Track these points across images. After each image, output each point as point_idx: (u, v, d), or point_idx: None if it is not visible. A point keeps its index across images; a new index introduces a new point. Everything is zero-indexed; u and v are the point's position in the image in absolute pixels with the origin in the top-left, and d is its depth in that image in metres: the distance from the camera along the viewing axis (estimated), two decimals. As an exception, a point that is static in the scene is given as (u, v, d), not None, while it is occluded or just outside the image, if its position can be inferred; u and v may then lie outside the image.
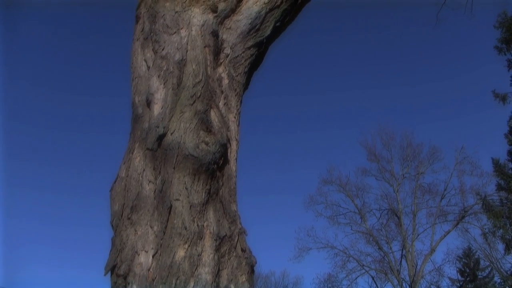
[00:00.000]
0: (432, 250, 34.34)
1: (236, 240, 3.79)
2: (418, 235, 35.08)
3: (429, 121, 54.78)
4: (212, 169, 3.78)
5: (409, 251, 34.63)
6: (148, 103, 4.11)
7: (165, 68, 4.19)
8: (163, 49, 4.31)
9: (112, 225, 3.88)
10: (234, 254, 3.75)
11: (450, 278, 37.60)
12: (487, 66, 54.05)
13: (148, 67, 4.34)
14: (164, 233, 3.57)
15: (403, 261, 35.03)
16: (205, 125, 3.87)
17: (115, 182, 4.00)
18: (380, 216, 36.35)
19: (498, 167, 29.45)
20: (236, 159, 4.20)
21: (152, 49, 4.42)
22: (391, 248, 35.74)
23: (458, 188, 35.25)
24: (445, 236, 34.55)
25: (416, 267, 34.21)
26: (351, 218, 36.65)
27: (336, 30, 62.48)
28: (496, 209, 29.49)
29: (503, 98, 28.57)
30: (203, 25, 4.40)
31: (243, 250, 3.81)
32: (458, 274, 38.42)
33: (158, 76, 4.18)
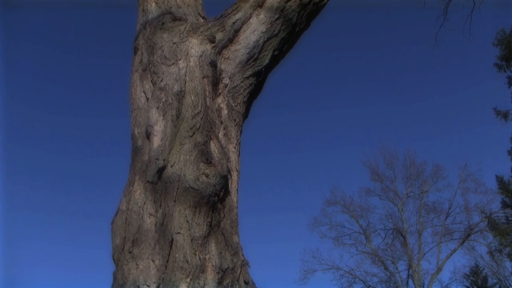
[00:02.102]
0: (439, 269, 34.04)
1: (238, 272, 3.74)
2: (424, 254, 34.80)
3: (431, 139, 54.55)
4: (213, 201, 3.74)
5: (415, 270, 34.32)
6: (148, 135, 4.10)
7: (164, 100, 4.18)
8: (161, 81, 4.31)
9: (113, 259, 3.84)
10: (237, 286, 3.70)
11: (457, 297, 37.21)
12: (488, 83, 54.06)
13: (147, 99, 4.34)
14: (166, 267, 3.53)
15: (410, 281, 34.71)
16: (205, 156, 3.84)
17: (116, 215, 3.97)
18: (385, 236, 36.12)
19: (502, 185, 29.32)
20: (237, 190, 4.17)
21: (151, 81, 4.42)
22: (397, 268, 35.45)
23: (463, 206, 35.02)
24: (451, 254, 34.26)
25: (423, 286, 33.89)
26: (356, 239, 36.42)
27: (337, 49, 62.58)
28: (502, 227, 29.31)
29: (505, 115, 28.52)
30: (201, 56, 4.40)
31: (246, 283, 3.76)
32: (466, 292, 38.05)
33: (157, 108, 4.17)
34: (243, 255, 3.89)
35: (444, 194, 51.97)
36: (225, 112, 4.36)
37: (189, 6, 5.11)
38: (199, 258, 3.57)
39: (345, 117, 59.10)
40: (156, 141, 4.00)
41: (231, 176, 4.10)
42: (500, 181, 29.45)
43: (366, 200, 39.90)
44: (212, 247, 3.69)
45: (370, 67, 58.58)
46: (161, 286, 3.48)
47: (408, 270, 34.90)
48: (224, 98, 4.41)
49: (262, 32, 4.62)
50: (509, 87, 29.23)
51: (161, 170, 3.82)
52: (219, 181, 3.78)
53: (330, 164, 56.91)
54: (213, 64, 4.39)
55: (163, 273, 3.51)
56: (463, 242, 34.17)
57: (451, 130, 56.57)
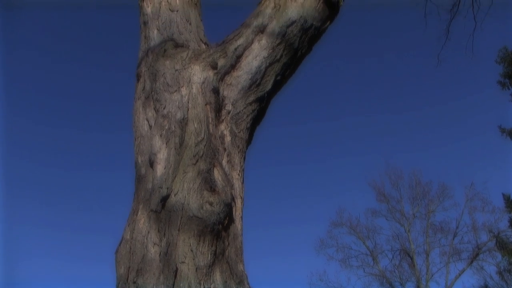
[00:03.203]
0: (448, 290, 33.75)
1: (244, 301, 3.70)
2: (432, 275, 34.49)
3: (436, 158, 54.46)
4: (217, 229, 3.70)
5: (424, 291, 34.04)
6: (151, 163, 4.08)
7: (167, 127, 4.17)
8: (164, 108, 4.30)
9: (118, 289, 3.81)
10: (243, 316, 3.66)
11: (467, 318, 36.81)
12: (491, 100, 54.04)
13: (150, 127, 4.33)
14: (171, 297, 3.49)
15: (419, 302, 34.41)
16: (209, 184, 3.81)
17: (119, 244, 3.94)
18: (393, 257, 35.89)
19: (509, 203, 29.13)
20: (241, 217, 4.13)
21: (154, 108, 4.42)
22: (405, 290, 35.17)
23: (470, 225, 34.83)
24: (460, 275, 33.95)
25: (433, 308, 33.58)
26: (363, 260, 36.22)
27: (340, 70, 62.78)
28: (510, 246, 29.08)
29: (510, 133, 28.47)
30: (203, 83, 4.39)
31: (252, 311, 3.72)
32: (476, 313, 37.63)
33: (160, 136, 4.16)
34: (248, 284, 3.84)
35: (451, 213, 51.79)
36: (228, 139, 4.34)
37: (191, 32, 5.13)
38: (204, 288, 3.53)
39: (350, 138, 59.08)
40: (160, 169, 3.98)
41: (235, 204, 4.07)
42: (507, 200, 29.27)
43: (372, 221, 39.48)
44: (217, 276, 3.64)
45: (373, 88, 58.77)
46: (166, 316, 3.44)
47: (417, 291, 34.60)
48: (227, 124, 4.39)
49: (264, 58, 4.62)
50: (513, 104, 29.21)
51: (164, 199, 3.79)
52: (223, 209, 3.75)
53: (336, 185, 56.83)
54: (216, 91, 4.38)
55: (168, 304, 3.47)
56: (471, 262, 33.88)
57: (456, 148, 56.43)
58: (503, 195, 29.62)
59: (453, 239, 34.88)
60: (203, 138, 4.06)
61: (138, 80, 4.83)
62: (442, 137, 56.06)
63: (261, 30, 4.71)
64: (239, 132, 4.44)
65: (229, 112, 4.44)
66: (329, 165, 57.50)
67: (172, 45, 4.82)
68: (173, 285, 3.51)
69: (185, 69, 4.50)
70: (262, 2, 4.95)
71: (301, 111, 61.72)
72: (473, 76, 56.34)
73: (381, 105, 58.76)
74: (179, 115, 4.19)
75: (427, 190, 36.99)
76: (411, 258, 35.06)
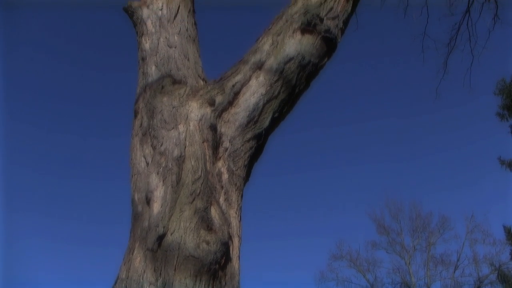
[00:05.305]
0: (450, 324, 33.36)
1: None
2: (434, 309, 34.21)
3: (436, 190, 54.44)
4: (214, 269, 3.65)
5: (425, 325, 33.65)
6: (148, 201, 4.04)
7: (164, 165, 4.14)
8: (161, 145, 4.28)
9: (113, 330, 3.74)
10: None
11: None
12: (491, 132, 54.24)
13: (147, 164, 4.30)
14: None
15: (421, 337, 33.99)
16: (206, 223, 3.77)
17: (115, 283, 3.88)
18: (393, 290, 35.61)
19: (510, 235, 28.94)
20: (238, 256, 4.07)
21: (151, 145, 4.40)
22: (407, 324, 34.77)
23: (471, 258, 34.69)
24: (461, 308, 33.65)
25: None
26: (364, 294, 35.94)
27: (339, 103, 63.09)
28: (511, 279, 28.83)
29: (510, 165, 28.43)
30: (201, 120, 4.38)
31: None
32: None
33: (157, 173, 4.13)
34: (246, 325, 3.77)
35: (452, 245, 51.62)
36: (225, 176, 4.30)
37: (189, 68, 5.12)
38: (201, 329, 3.46)
39: (350, 169, 59.07)
40: (156, 207, 3.94)
41: (232, 242, 4.01)
42: (508, 232, 29.09)
43: (372, 254, 39.52)
44: (214, 317, 3.58)
45: (373, 121, 58.99)
46: None
47: (418, 325, 34.20)
48: (224, 162, 4.36)
49: (262, 94, 4.61)
50: (512, 136, 29.24)
51: (161, 238, 3.74)
52: (220, 248, 3.70)
53: (335, 218, 56.63)
54: (213, 128, 4.36)
55: None
56: (473, 295, 33.58)
57: (456, 179, 56.42)
58: (504, 227, 29.45)
59: (454, 271, 34.68)
60: (200, 176, 4.03)
61: (135, 116, 4.81)
62: (442, 169, 56.12)
63: (259, 66, 4.70)
64: (237, 169, 4.40)
65: (226, 149, 4.42)
66: (329, 197, 57.41)
67: (170, 81, 4.81)
68: (169, 326, 3.45)
69: (182, 106, 4.49)
70: (260, 38, 4.96)
71: (300, 140, 61.84)
72: (471, 107, 56.63)
73: (381, 136, 58.95)
74: (176, 153, 4.17)
75: (427, 222, 36.96)
76: (412, 291, 34.73)
